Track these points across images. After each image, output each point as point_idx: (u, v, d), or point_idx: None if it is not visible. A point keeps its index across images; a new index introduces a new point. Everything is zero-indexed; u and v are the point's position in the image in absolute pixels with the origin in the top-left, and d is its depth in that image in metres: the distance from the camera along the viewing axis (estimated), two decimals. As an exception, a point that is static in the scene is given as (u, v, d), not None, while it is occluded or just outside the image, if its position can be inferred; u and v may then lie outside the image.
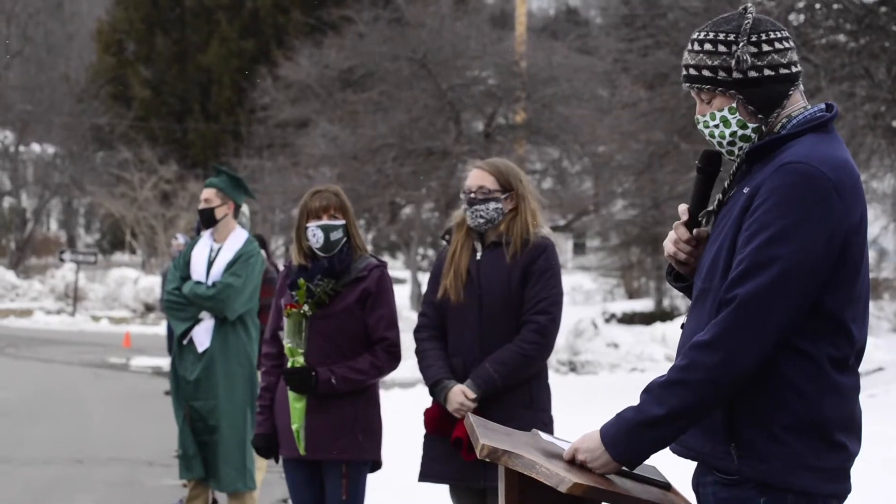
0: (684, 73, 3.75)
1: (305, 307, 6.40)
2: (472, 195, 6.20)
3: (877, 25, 17.68)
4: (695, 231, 3.83)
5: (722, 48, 3.65)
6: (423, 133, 31.37)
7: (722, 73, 3.65)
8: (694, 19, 19.08)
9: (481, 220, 6.21)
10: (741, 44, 3.63)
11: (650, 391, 3.58)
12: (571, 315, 23.35)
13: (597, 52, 31.19)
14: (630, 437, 3.58)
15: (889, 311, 31.85)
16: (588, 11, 60.79)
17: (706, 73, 3.67)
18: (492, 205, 6.20)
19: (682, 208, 3.86)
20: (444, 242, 6.46)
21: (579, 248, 62.73)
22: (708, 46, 3.67)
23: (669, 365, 3.65)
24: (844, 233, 3.52)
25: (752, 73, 3.64)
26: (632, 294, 42.40)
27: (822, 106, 3.71)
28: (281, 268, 7.12)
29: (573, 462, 3.67)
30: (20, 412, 16.26)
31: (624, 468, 3.68)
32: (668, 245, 3.87)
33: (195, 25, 51.37)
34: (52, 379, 20.90)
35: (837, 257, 3.52)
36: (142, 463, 12.39)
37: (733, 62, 3.64)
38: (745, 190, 3.61)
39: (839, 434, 3.58)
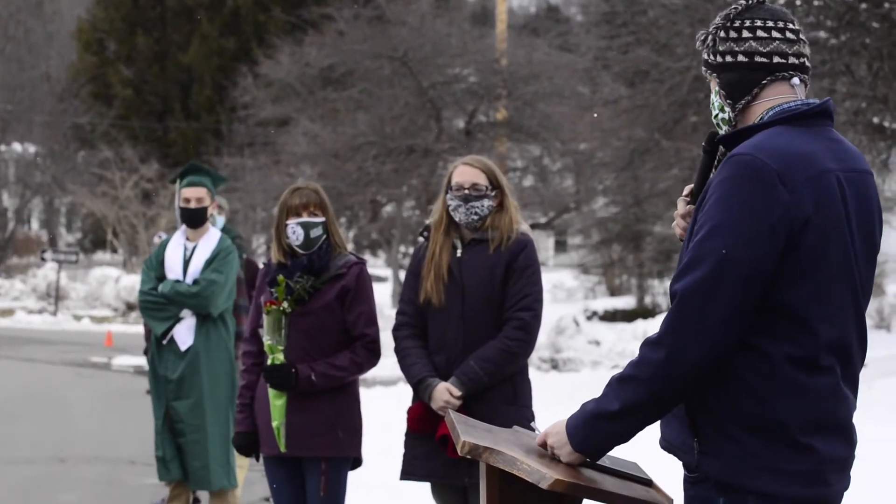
0: None
1: (285, 304, 6.39)
2: (467, 192, 6.20)
3: (857, 22, 17.70)
4: (686, 207, 3.84)
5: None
6: (404, 131, 31.34)
7: (710, 57, 3.70)
8: (674, 16, 19.09)
9: (475, 217, 6.21)
10: (715, 27, 3.67)
11: (609, 385, 3.58)
12: (553, 312, 23.34)
13: (577, 49, 31.14)
14: (587, 428, 3.57)
15: (871, 308, 31.89)
16: (569, 9, 60.70)
17: (704, 55, 3.74)
18: (485, 202, 6.21)
19: (688, 187, 3.89)
20: (421, 239, 6.44)
21: (561, 246, 62.65)
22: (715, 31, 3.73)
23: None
24: (791, 224, 3.42)
25: (727, 58, 3.66)
26: (613, 291, 42.33)
27: (816, 101, 3.64)
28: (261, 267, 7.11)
29: (544, 447, 3.68)
30: (2, 411, 16.21)
31: (605, 463, 3.68)
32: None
33: (176, 24, 51.20)
34: (33, 378, 20.83)
35: (786, 249, 3.43)
36: (124, 462, 12.36)
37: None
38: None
39: (804, 436, 3.46)
